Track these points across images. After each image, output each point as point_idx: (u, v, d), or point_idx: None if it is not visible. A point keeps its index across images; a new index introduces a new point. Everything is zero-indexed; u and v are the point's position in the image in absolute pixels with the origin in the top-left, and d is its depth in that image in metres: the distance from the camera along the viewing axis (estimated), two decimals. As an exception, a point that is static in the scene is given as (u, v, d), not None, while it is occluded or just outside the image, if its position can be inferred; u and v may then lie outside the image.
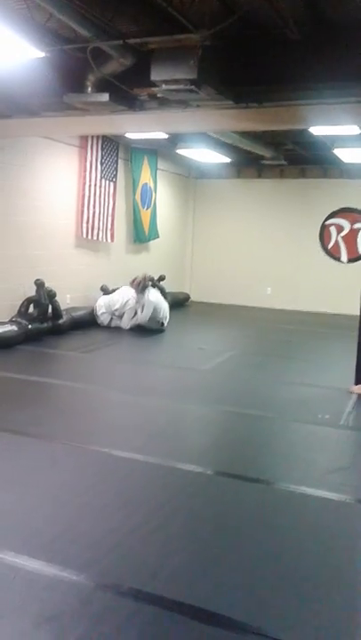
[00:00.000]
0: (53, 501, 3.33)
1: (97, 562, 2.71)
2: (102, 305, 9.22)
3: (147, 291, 8.97)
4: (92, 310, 9.22)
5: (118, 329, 9.09)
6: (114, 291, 9.47)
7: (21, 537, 2.90)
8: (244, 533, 3.10)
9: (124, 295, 9.17)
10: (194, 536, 3.03)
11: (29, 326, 7.63)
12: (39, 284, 7.88)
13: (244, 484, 3.72)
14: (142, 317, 8.90)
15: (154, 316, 8.93)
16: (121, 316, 9.12)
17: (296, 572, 2.73)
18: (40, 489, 3.49)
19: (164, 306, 9.17)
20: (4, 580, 2.55)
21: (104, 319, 9.17)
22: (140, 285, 8.97)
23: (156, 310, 8.92)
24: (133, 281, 9.03)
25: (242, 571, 2.72)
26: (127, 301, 9.09)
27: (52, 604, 2.40)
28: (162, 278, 11.32)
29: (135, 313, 9.07)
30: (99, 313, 9.19)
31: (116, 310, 9.16)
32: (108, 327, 9.15)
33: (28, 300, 7.88)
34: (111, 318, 9.18)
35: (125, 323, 9.05)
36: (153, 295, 9.00)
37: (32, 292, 7.90)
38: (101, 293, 9.53)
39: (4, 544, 2.81)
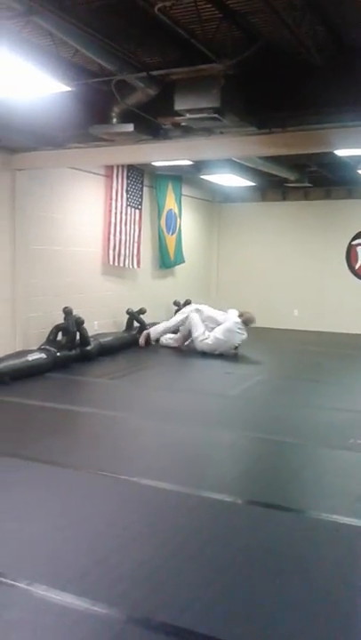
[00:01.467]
0: (83, 533, 3.32)
1: (128, 595, 2.68)
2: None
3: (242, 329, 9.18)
4: (120, 337, 9.33)
5: (146, 353, 9.15)
6: (141, 312, 9.70)
7: (52, 569, 2.89)
8: (277, 564, 3.04)
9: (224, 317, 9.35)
10: (226, 568, 2.98)
11: (58, 354, 7.69)
12: (67, 312, 7.95)
13: (275, 513, 3.66)
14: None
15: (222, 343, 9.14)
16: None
17: (332, 603, 2.66)
18: (70, 520, 3.48)
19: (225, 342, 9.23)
20: (34, 614, 2.53)
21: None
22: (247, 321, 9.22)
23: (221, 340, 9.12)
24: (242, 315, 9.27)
25: (275, 603, 2.66)
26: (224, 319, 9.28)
27: (83, 638, 2.37)
28: (187, 303, 11.37)
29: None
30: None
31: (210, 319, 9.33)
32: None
33: (57, 328, 7.95)
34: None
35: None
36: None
37: (60, 319, 7.98)
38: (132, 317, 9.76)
39: (35, 577, 2.80)
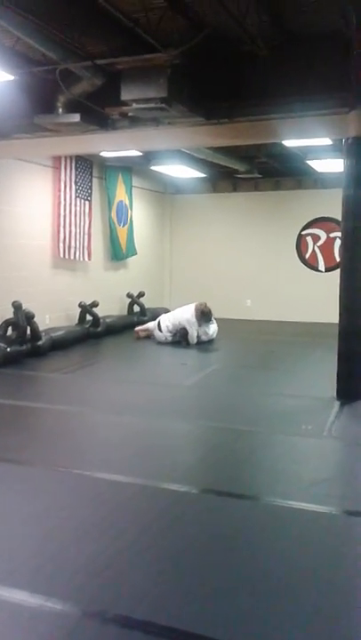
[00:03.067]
0: (37, 528, 3.27)
1: (82, 589, 2.65)
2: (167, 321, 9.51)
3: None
4: (72, 330, 9.23)
5: (99, 347, 9.10)
6: (94, 305, 9.61)
7: (3, 567, 2.84)
8: (232, 552, 3.07)
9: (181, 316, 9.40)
10: (181, 558, 2.99)
11: (8, 349, 7.55)
12: (17, 306, 7.81)
13: (231, 501, 3.69)
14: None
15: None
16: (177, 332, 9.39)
17: (286, 588, 2.70)
18: (23, 516, 3.42)
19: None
20: (-13, 613, 2.49)
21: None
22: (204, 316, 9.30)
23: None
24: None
25: (231, 591, 2.68)
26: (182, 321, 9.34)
27: (37, 635, 2.34)
28: (141, 295, 11.33)
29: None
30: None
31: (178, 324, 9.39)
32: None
33: (6, 323, 7.80)
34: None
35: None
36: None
37: (10, 314, 7.83)
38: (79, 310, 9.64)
39: (-13, 575, 2.75)
